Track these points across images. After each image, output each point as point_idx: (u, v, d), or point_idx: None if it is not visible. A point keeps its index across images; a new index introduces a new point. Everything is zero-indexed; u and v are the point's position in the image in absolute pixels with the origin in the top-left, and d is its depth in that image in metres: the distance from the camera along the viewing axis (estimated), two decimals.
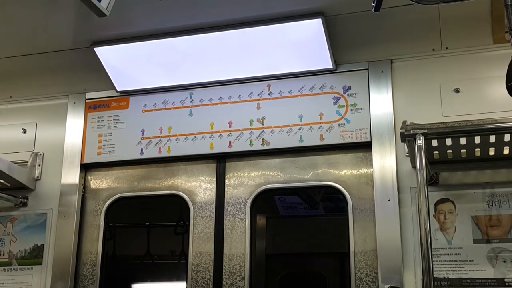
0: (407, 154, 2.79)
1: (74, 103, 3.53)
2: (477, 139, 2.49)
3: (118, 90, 3.44)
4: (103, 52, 3.23)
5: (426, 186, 2.31)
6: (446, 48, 2.98)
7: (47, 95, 3.60)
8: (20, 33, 3.15)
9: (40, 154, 3.48)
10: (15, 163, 3.33)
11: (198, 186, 3.26)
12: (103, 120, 3.46)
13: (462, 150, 2.63)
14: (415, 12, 2.83)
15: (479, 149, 2.61)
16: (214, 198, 3.22)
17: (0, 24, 3.06)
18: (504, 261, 2.65)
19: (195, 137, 3.26)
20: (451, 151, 2.64)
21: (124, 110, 3.44)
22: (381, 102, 3.02)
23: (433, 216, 2.76)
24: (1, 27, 3.09)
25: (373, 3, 1.73)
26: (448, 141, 2.53)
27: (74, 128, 3.48)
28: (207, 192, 3.24)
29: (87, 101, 3.51)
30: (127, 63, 3.29)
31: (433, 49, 3.00)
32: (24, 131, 3.56)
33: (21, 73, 3.52)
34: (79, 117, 3.50)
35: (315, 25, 2.91)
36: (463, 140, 2.51)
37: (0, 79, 3.57)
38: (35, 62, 3.40)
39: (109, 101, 3.49)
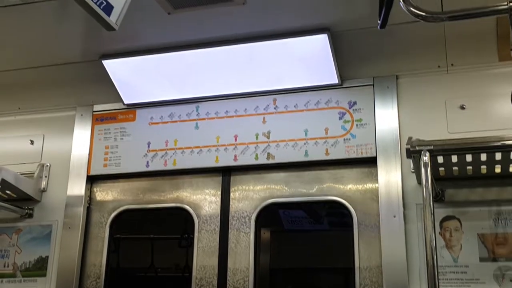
0: (413, 170, 2.79)
1: (82, 115, 3.55)
2: (483, 156, 2.49)
3: (125, 102, 3.46)
4: (111, 65, 3.26)
5: (432, 203, 2.30)
6: (452, 64, 2.99)
7: (55, 106, 3.62)
8: (29, 45, 3.18)
9: (47, 166, 3.49)
10: (21, 174, 3.35)
11: (203, 199, 3.27)
12: (109, 132, 3.48)
13: (468, 167, 2.62)
14: (421, 29, 2.84)
15: (485, 167, 2.60)
16: (219, 211, 3.22)
17: (10, 36, 3.09)
18: (511, 280, 2.63)
19: (201, 150, 3.27)
20: (457, 168, 2.64)
21: (131, 123, 3.46)
22: (386, 118, 3.02)
23: (439, 233, 2.75)
24: (11, 39, 3.12)
25: (379, 20, 1.74)
26: (454, 158, 2.52)
27: (81, 140, 3.50)
28: (212, 205, 3.25)
29: (94, 113, 3.53)
30: (135, 76, 3.31)
31: (439, 66, 3.00)
32: (32, 142, 3.58)
33: (30, 85, 3.54)
34: (86, 129, 3.52)
35: (321, 41, 2.93)
36: (469, 157, 2.51)
37: (9, 91, 3.60)
38: (43, 74, 3.42)
39: (116, 113, 3.51)
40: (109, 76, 3.31)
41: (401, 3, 1.81)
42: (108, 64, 3.25)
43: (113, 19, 2.37)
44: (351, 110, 3.09)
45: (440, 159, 2.53)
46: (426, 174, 2.34)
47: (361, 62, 3.09)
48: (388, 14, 1.68)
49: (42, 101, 3.62)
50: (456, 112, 2.91)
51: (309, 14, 2.81)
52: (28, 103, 3.66)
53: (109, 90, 3.39)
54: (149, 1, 2.72)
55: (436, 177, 2.65)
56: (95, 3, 2.26)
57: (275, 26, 2.92)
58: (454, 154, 2.48)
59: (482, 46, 2.90)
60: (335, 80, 3.11)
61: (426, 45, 2.97)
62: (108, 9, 2.34)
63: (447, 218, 2.77)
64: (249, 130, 3.22)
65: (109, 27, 2.38)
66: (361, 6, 2.72)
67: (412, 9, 1.80)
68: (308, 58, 3.04)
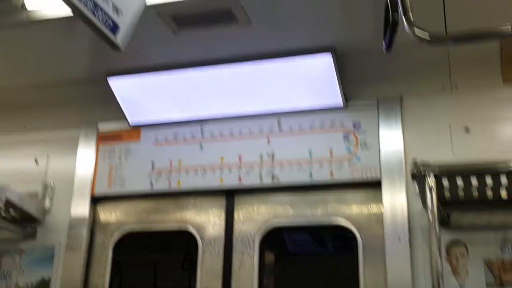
0: (418, 194, 2.76)
1: (86, 134, 3.55)
2: (489, 180, 2.46)
3: (130, 122, 3.46)
4: (117, 84, 3.27)
5: (437, 227, 2.28)
6: (456, 87, 2.98)
7: (60, 125, 3.62)
8: (35, 64, 3.21)
9: (51, 185, 3.49)
10: (25, 193, 3.33)
11: (207, 221, 3.25)
12: (114, 152, 3.48)
13: (474, 191, 2.59)
14: (425, 51, 2.83)
15: (491, 191, 2.58)
16: (222, 233, 3.20)
17: (16, 54, 3.12)
18: None
19: (205, 170, 3.26)
20: (462, 192, 2.61)
21: (136, 143, 3.46)
22: (391, 139, 3.01)
23: (445, 258, 2.71)
24: (17, 58, 3.15)
25: (384, 44, 1.74)
26: (459, 181, 2.50)
27: (85, 159, 3.49)
28: (215, 227, 3.22)
29: (99, 133, 3.53)
30: (140, 95, 3.32)
31: (443, 87, 3.00)
32: (36, 161, 3.58)
33: (35, 104, 3.56)
34: (90, 148, 3.52)
35: (326, 61, 2.94)
36: (474, 181, 2.48)
37: (14, 109, 3.62)
38: (49, 93, 3.44)
39: (121, 133, 3.51)
40: (114, 95, 3.32)
41: (405, 26, 1.81)
42: (114, 82, 3.26)
43: (119, 39, 2.39)
44: (355, 131, 3.08)
45: (445, 183, 2.50)
46: (431, 197, 2.32)
47: (365, 83, 3.09)
48: (393, 38, 1.68)
49: (47, 119, 3.63)
50: (461, 134, 2.89)
51: (313, 34, 2.83)
52: (33, 121, 3.67)
53: (114, 109, 3.40)
54: (155, 21, 2.74)
55: (441, 201, 2.62)
56: (102, 23, 2.28)
57: (280, 46, 2.93)
58: (459, 177, 2.45)
59: (486, 68, 2.90)
60: (339, 101, 3.11)
61: (430, 67, 2.97)
62: (115, 29, 2.36)
63: (453, 243, 2.74)
64: (253, 151, 3.21)
65: (115, 47, 2.41)
66: (365, 26, 2.73)
67: (416, 31, 1.80)
68: (313, 79, 3.05)
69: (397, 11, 1.64)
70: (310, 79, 3.05)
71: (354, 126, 3.10)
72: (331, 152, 3.09)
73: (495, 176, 2.42)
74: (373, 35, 2.64)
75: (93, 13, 2.22)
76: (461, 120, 2.92)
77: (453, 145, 2.88)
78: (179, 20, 2.76)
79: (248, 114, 3.27)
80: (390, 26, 1.67)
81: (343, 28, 2.77)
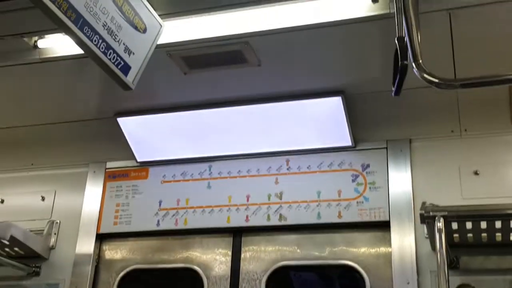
0: (427, 236, 2.74)
1: (94, 172, 3.56)
2: (498, 224, 2.44)
3: (138, 160, 3.47)
4: (125, 123, 3.29)
5: (446, 270, 2.25)
6: (465, 130, 2.98)
7: (68, 163, 3.64)
8: (45, 102, 3.22)
9: (57, 223, 3.48)
10: (31, 230, 3.33)
11: (213, 260, 3.22)
12: (121, 190, 3.47)
13: (483, 234, 2.57)
14: (434, 94, 2.80)
15: (500, 234, 2.55)
16: (229, 273, 3.17)
17: (26, 92, 3.14)
18: None
19: (212, 209, 3.25)
20: (471, 235, 2.59)
21: (143, 180, 3.46)
22: (400, 181, 3.00)
23: None
24: (27, 96, 3.17)
25: (394, 88, 1.76)
26: (469, 225, 2.48)
27: (92, 197, 3.49)
28: (222, 266, 3.19)
29: (106, 170, 3.54)
30: (148, 134, 3.34)
31: (452, 131, 3.00)
32: (43, 198, 3.58)
33: (43, 141, 3.56)
34: (98, 186, 3.52)
35: (335, 103, 2.95)
36: (483, 224, 2.46)
37: (23, 147, 3.62)
38: (57, 130, 3.45)
39: (128, 171, 3.52)
40: (123, 133, 3.33)
41: (415, 70, 1.82)
42: (123, 121, 3.28)
43: (130, 79, 2.42)
44: (364, 173, 3.07)
45: (454, 225, 2.49)
46: (440, 240, 2.30)
47: (374, 125, 3.09)
48: (402, 82, 1.70)
49: (55, 157, 3.64)
50: (470, 177, 2.88)
51: (323, 76, 2.85)
52: (41, 159, 3.68)
53: (122, 147, 3.41)
54: (165, 61, 2.77)
55: (450, 244, 2.60)
56: (113, 62, 2.31)
57: (289, 88, 2.95)
58: (468, 220, 2.44)
59: (495, 112, 2.90)
60: (348, 142, 3.11)
61: (439, 110, 2.97)
62: (126, 69, 2.38)
63: (462, 286, 2.69)
64: (261, 190, 3.21)
65: (125, 87, 2.43)
66: (374, 69, 2.75)
67: (425, 75, 1.81)
68: (322, 120, 3.06)
69: (406, 58, 1.66)
70: (319, 120, 3.06)
71: (363, 167, 3.09)
72: (339, 193, 3.07)
73: (505, 219, 2.40)
74: (382, 78, 2.66)
75: (105, 53, 2.25)
76: (470, 163, 2.91)
77: (462, 188, 2.87)
78: (189, 60, 2.79)
79: (257, 153, 3.27)
80: (400, 72, 1.68)
81: (353, 71, 2.79)
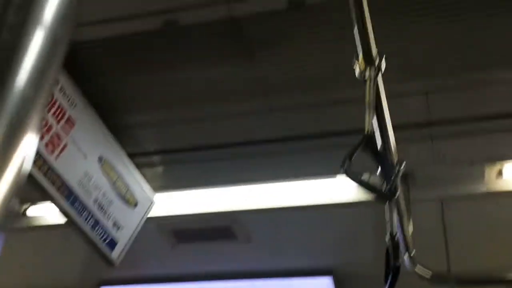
0: None
1: None
2: None
3: None
4: None
5: None
6: None
7: None
8: (28, 268, 3.13)
9: None
10: None
11: None
12: None
13: None
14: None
15: None
16: None
17: (11, 258, 3.04)
18: None
19: None
20: None
21: None
22: None
23: None
24: (12, 261, 3.07)
25: (385, 285, 1.68)
26: None
27: None
28: None
29: None
30: None
31: None
32: None
33: None
34: None
35: (325, 284, 2.86)
36: None
37: None
38: None
39: None
40: None
41: (406, 263, 1.78)
42: None
43: (115, 255, 2.36)
44: None
45: None
46: None
47: None
48: (395, 283, 1.62)
49: None
50: None
51: (313, 256, 2.80)
52: None
53: None
54: (154, 233, 2.73)
55: None
56: (100, 238, 2.26)
57: (279, 265, 2.89)
58: None
59: None
60: None
61: None
62: (112, 244, 2.33)
63: None
64: None
65: (109, 263, 2.36)
66: (365, 251, 2.70)
67: (418, 271, 1.77)
68: None
69: (398, 259, 1.60)
70: None
71: None
72: None
73: None
74: (373, 260, 2.61)
75: (93, 228, 2.21)
76: None
77: None
78: (179, 233, 2.76)
79: None
80: (392, 273, 1.61)
81: (343, 252, 2.75)
